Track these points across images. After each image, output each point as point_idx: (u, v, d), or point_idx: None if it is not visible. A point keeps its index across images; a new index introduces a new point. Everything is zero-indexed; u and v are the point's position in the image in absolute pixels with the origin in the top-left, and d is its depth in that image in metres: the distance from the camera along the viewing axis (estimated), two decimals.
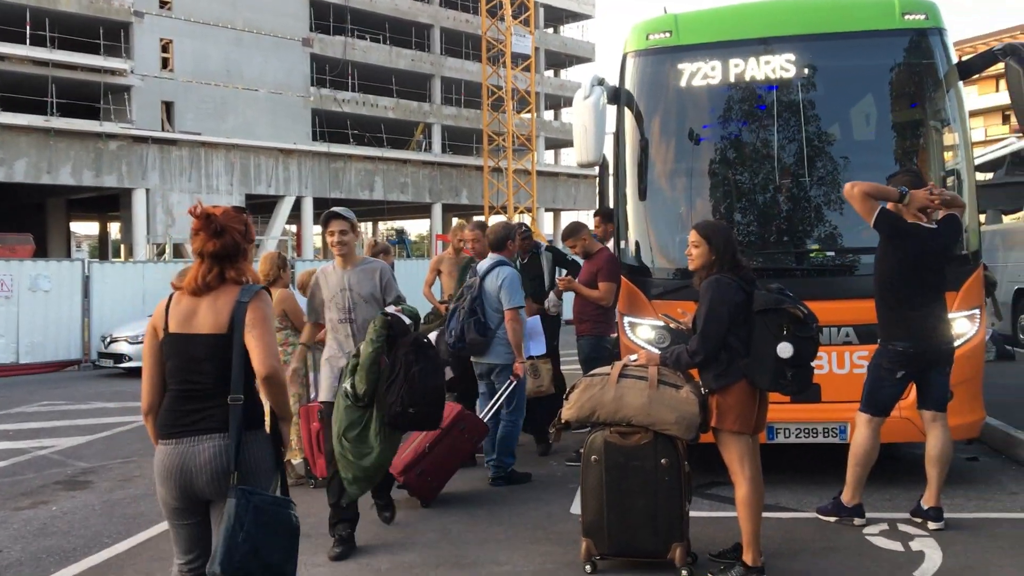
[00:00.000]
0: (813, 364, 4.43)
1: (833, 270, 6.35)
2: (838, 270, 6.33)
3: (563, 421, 4.53)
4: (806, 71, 6.45)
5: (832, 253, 6.46)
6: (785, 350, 4.32)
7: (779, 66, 6.47)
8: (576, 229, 7.52)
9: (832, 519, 5.39)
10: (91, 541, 5.66)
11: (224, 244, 3.19)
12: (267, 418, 3.31)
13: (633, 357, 4.66)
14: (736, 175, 6.71)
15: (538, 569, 4.79)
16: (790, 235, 6.53)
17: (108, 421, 10.14)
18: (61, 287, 15.89)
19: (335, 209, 5.45)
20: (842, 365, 6.04)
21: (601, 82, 6.56)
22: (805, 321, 4.36)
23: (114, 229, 47.09)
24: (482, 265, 6.68)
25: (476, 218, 49.83)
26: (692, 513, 5.25)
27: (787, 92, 6.53)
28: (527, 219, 39.38)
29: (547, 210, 49.01)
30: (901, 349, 5.13)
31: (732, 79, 6.56)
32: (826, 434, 6.01)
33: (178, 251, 34.03)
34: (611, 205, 7.26)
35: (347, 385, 4.96)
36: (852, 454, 5.32)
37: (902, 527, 5.28)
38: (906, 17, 6.37)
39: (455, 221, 49.46)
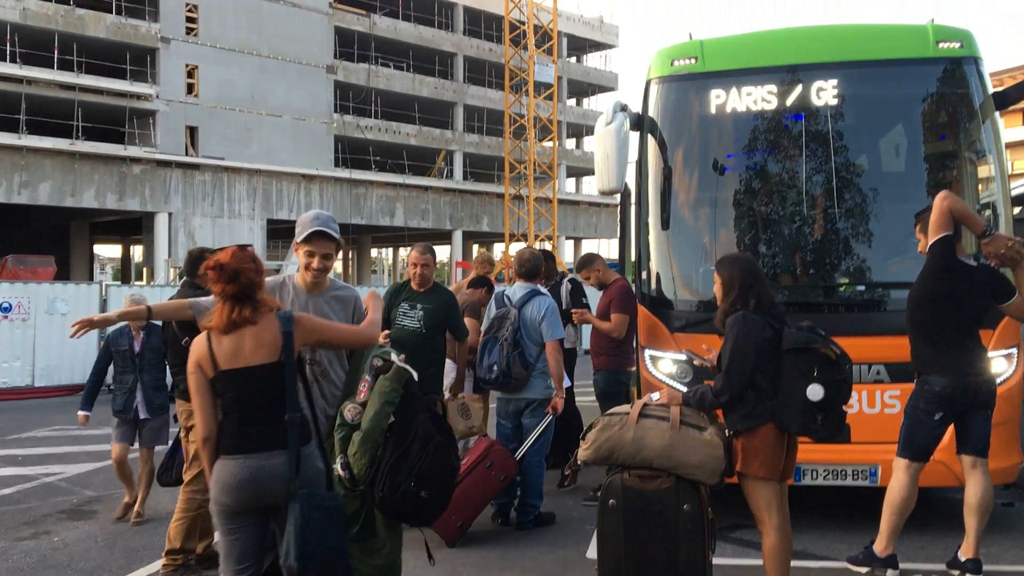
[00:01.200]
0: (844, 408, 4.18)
1: (863, 305, 6.12)
2: (869, 305, 6.10)
3: (579, 462, 4.30)
4: (836, 100, 6.27)
5: (862, 287, 6.23)
6: (816, 393, 4.09)
7: (808, 94, 6.30)
8: (590, 260, 7.34)
9: (863, 570, 5.09)
10: (89, 575, 5.47)
11: (241, 285, 3.49)
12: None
13: (655, 396, 4.43)
14: (762, 206, 6.52)
15: None
16: (818, 268, 6.32)
17: None
18: (78, 310, 15.80)
19: (321, 228, 4.01)
20: (873, 404, 5.79)
21: (624, 108, 6.41)
22: (838, 363, 4.13)
23: (137, 252, 47.39)
24: (514, 294, 6.37)
25: (497, 245, 49.89)
26: (716, 561, 5.00)
27: (816, 121, 6.35)
28: (548, 246, 39.26)
29: (568, 238, 48.90)
30: (938, 389, 4.87)
31: (759, 107, 6.39)
32: (856, 476, 5.75)
33: None
34: (632, 234, 7.08)
35: (338, 466, 3.82)
36: (888, 501, 5.03)
37: None
38: (940, 45, 6.19)
39: (475, 249, 49.41)
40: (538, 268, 6.50)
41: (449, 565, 5.42)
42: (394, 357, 3.90)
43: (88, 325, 3.95)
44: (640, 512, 4.20)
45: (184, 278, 5.75)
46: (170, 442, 6.10)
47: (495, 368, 6.10)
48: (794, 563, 5.13)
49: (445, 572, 5.31)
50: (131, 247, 49.58)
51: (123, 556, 5.86)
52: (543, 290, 6.43)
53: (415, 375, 3.91)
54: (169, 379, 6.19)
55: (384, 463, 3.71)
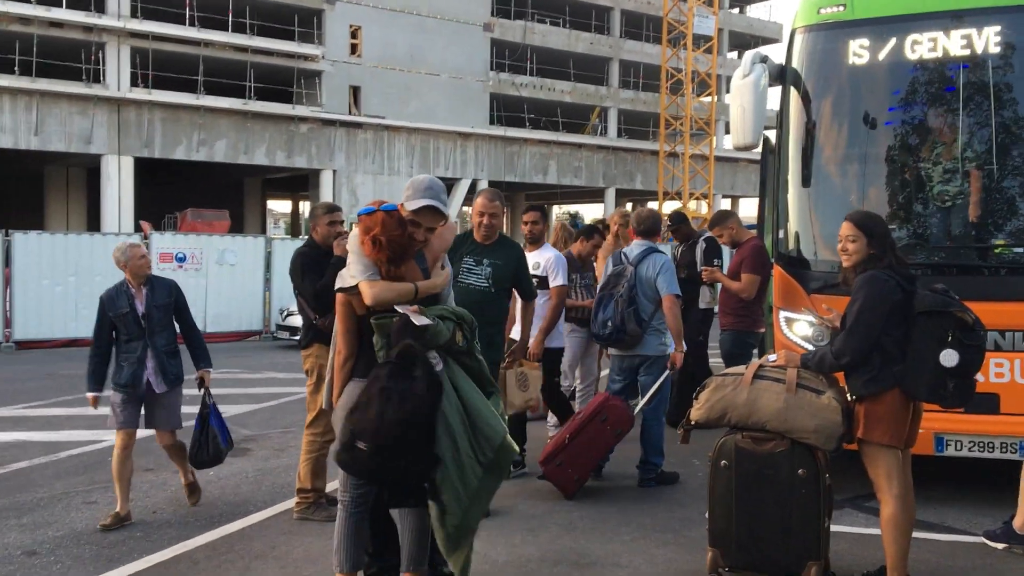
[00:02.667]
0: (978, 376, 3.94)
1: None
2: None
3: (692, 422, 4.26)
4: (1001, 48, 5.80)
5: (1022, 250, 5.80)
6: (950, 358, 3.88)
7: (969, 43, 5.85)
8: (723, 217, 7.16)
9: (1000, 546, 4.82)
10: (237, 508, 5.88)
11: (393, 251, 3.70)
12: None
13: (772, 357, 4.31)
14: (915, 162, 6.15)
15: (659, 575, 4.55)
16: (977, 229, 5.92)
17: (276, 391, 10.61)
18: (245, 262, 16.83)
19: (432, 203, 3.89)
20: None
21: (763, 60, 6.16)
22: (974, 328, 3.89)
23: (305, 207, 49.67)
24: (632, 252, 6.38)
25: (650, 204, 49.22)
26: (838, 528, 4.87)
27: (978, 72, 5.91)
28: (704, 206, 38.42)
29: (725, 196, 47.63)
30: None
31: (913, 57, 5.99)
32: (1004, 449, 5.42)
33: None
34: (769, 190, 6.84)
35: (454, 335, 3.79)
36: None
37: None
38: None
39: (629, 207, 48.96)
40: (656, 226, 6.47)
41: (566, 517, 5.50)
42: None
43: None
44: (753, 475, 4.13)
45: (308, 236, 5.84)
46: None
47: (609, 324, 6.10)
48: (924, 535, 4.95)
49: (561, 523, 5.40)
50: (299, 203, 51.98)
51: (268, 492, 6.26)
52: (660, 248, 6.37)
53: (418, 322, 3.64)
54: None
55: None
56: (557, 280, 6.32)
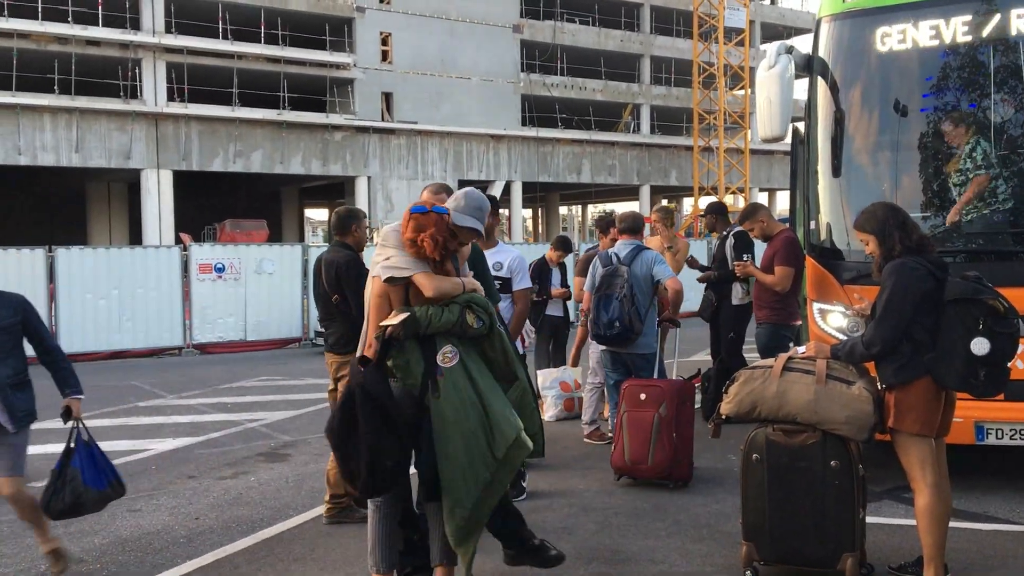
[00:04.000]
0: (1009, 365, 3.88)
1: None
2: None
3: (722, 415, 4.24)
4: None
5: None
6: (980, 346, 3.83)
7: (1000, 25, 5.76)
8: (753, 211, 7.12)
9: None
10: (277, 512, 5.96)
11: (446, 249, 3.88)
12: None
13: (801, 349, 4.29)
14: (946, 149, 6.06)
15: (694, 571, 4.54)
16: (1012, 215, 5.82)
17: (316, 397, 10.71)
18: (283, 270, 17.00)
19: (478, 228, 4.12)
20: None
21: (789, 50, 6.14)
22: (1006, 316, 3.84)
23: None
24: (621, 252, 6.48)
25: (686, 199, 48.93)
26: (875, 520, 4.83)
27: (1010, 55, 5.81)
28: (740, 200, 38.10)
29: (761, 190, 47.21)
30: None
31: (942, 42, 5.92)
32: None
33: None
34: (800, 181, 6.80)
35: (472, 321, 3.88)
36: None
37: None
38: None
39: (664, 203, 48.74)
40: (639, 224, 6.60)
41: (601, 515, 5.51)
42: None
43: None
44: (785, 467, 4.11)
45: (335, 238, 5.82)
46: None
47: (617, 324, 6.17)
48: (965, 524, 4.90)
49: (596, 520, 5.41)
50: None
51: (308, 496, 6.33)
52: (646, 245, 6.51)
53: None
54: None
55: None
56: (522, 283, 5.91)
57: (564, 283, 8.83)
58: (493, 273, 5.37)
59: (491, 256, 5.60)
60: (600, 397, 7.50)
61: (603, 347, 6.62)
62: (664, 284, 6.37)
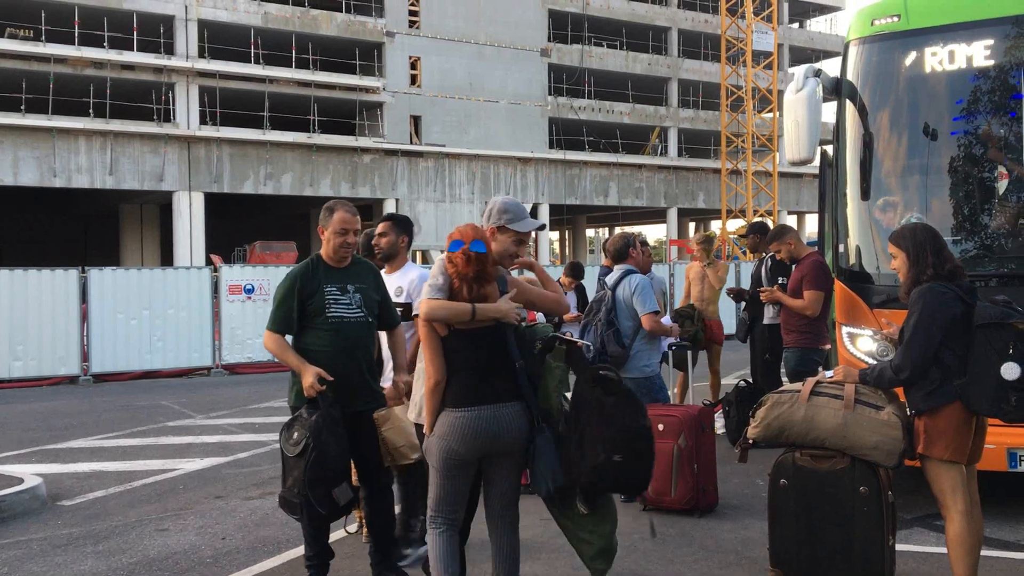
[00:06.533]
0: None
1: None
2: None
3: (749, 439, 4.21)
4: None
5: None
6: (1012, 371, 3.78)
7: None
8: (781, 233, 7.08)
9: None
10: (302, 534, 5.96)
11: (482, 268, 3.83)
12: None
13: (828, 373, 4.25)
14: (976, 173, 6.02)
15: None
16: None
17: None
18: None
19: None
20: None
21: (817, 73, 6.15)
22: None
23: None
24: (611, 277, 6.48)
25: (714, 222, 48.76)
26: (905, 547, 4.76)
27: None
28: (768, 223, 37.85)
29: (790, 212, 46.99)
30: None
31: (971, 65, 5.89)
32: None
33: (424, 257, 35.83)
34: (828, 204, 6.78)
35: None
36: None
37: None
38: None
39: (692, 227, 48.48)
40: (624, 249, 6.53)
41: (627, 539, 5.43)
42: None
43: None
44: (813, 493, 4.07)
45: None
46: None
47: (591, 348, 6.14)
48: (998, 553, 4.81)
49: (621, 545, 5.30)
50: (364, 231, 52.74)
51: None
52: (635, 269, 6.43)
53: (582, 345, 4.05)
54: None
55: (571, 447, 3.82)
56: None
57: (580, 308, 8.85)
58: (393, 298, 5.02)
59: (394, 280, 5.34)
60: None
61: None
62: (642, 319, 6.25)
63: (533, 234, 4.40)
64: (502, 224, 4.04)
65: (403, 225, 5.55)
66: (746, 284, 12.45)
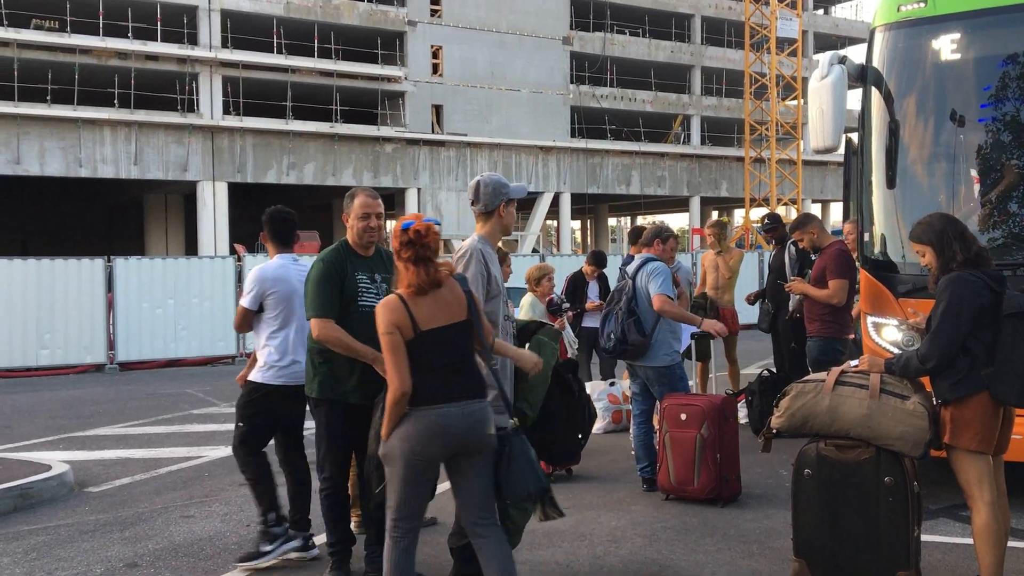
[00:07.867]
0: None
1: None
2: None
3: (773, 429, 4.19)
4: None
5: None
6: None
7: None
8: (804, 221, 7.02)
9: None
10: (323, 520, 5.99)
11: (420, 248, 3.69)
12: None
13: (853, 363, 4.22)
14: (1003, 159, 5.94)
15: None
16: None
17: None
18: None
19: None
20: None
21: (842, 60, 6.09)
22: None
23: (389, 225, 50.45)
24: (631, 266, 6.42)
25: (737, 211, 48.46)
26: (931, 538, 4.73)
27: None
28: (792, 211, 37.64)
29: (814, 201, 46.60)
30: None
31: (998, 51, 5.81)
32: None
33: (447, 246, 35.87)
34: (853, 192, 6.71)
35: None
36: None
37: None
38: None
39: (714, 215, 48.20)
40: (651, 239, 6.46)
41: (649, 528, 5.47)
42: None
43: None
44: (837, 483, 4.05)
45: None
46: None
47: (612, 336, 6.14)
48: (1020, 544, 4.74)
49: (644, 533, 5.36)
50: (387, 221, 52.93)
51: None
52: (656, 257, 6.34)
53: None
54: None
55: (557, 418, 3.99)
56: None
57: (602, 296, 8.83)
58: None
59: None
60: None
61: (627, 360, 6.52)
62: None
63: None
64: (508, 197, 4.19)
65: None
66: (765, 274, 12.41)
